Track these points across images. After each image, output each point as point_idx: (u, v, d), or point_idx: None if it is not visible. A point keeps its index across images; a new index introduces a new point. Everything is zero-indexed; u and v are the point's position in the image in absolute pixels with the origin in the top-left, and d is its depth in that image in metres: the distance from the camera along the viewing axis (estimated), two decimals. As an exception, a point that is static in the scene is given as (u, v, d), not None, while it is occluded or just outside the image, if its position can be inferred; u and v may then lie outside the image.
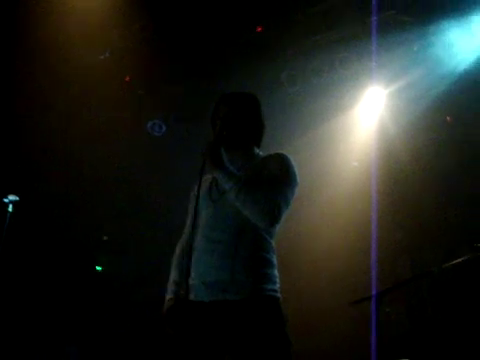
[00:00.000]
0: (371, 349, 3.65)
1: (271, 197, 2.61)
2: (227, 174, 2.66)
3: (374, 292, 3.79)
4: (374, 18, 5.52)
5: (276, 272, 2.69)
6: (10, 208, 4.94)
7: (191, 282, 2.68)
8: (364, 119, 6.69)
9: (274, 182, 2.68)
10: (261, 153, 2.94)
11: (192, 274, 2.68)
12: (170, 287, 2.84)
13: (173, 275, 2.88)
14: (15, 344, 6.23)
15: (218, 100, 2.93)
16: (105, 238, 7.74)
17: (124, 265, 7.47)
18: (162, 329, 2.74)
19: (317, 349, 6.05)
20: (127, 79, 6.70)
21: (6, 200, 4.92)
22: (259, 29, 6.02)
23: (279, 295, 2.65)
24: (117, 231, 7.54)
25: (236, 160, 2.79)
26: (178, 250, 2.97)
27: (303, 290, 6.20)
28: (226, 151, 2.73)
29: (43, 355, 6.46)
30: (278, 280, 2.68)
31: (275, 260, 2.72)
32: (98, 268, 7.62)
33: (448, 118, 6.60)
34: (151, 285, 7.16)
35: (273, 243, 2.75)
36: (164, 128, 6.66)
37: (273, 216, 2.60)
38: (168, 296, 2.81)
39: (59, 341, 6.70)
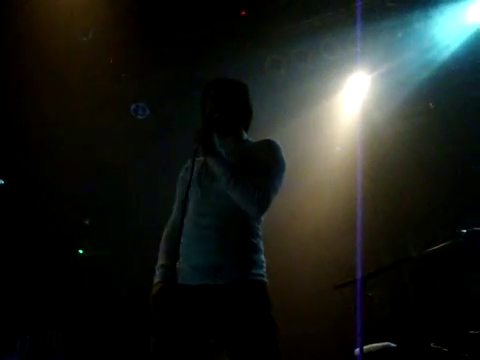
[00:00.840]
0: (356, 332, 3.68)
1: (261, 185, 2.63)
2: (219, 160, 2.67)
3: (359, 276, 3.83)
4: (359, 3, 5.52)
5: (263, 257, 2.73)
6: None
7: (179, 266, 2.72)
8: (348, 104, 6.71)
9: (264, 169, 2.70)
10: (250, 139, 2.96)
11: (180, 258, 2.71)
12: (158, 271, 2.84)
13: (161, 259, 2.88)
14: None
15: (207, 85, 2.95)
16: (87, 222, 7.70)
17: (106, 249, 7.45)
18: (149, 312, 2.75)
19: (302, 333, 6.12)
20: (111, 61, 6.62)
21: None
22: (243, 13, 5.97)
23: (265, 280, 2.69)
24: (99, 215, 7.52)
25: (227, 145, 2.81)
26: (166, 234, 2.96)
27: (288, 274, 6.23)
28: (217, 136, 2.75)
29: (25, 339, 6.45)
30: (265, 265, 2.72)
31: (262, 245, 2.75)
32: (80, 252, 7.59)
33: (431, 104, 6.65)
34: (133, 269, 7.20)
35: (260, 228, 2.78)
36: (148, 111, 6.62)
37: (262, 204, 2.63)
38: (156, 280, 2.82)
39: (41, 325, 6.69)
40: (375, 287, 5.83)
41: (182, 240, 2.71)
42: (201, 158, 2.87)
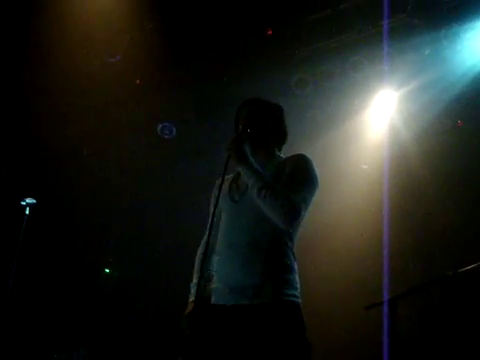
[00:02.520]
0: (383, 352, 3.62)
1: (292, 197, 2.59)
2: (251, 169, 2.65)
3: (386, 297, 3.76)
4: (385, 21, 5.51)
5: (297, 278, 2.69)
6: (27, 211, 4.96)
7: (214, 286, 2.73)
8: (375, 122, 6.67)
9: (296, 182, 2.67)
10: (282, 156, 2.94)
11: (215, 277, 2.73)
12: (192, 289, 2.83)
13: (195, 277, 2.87)
14: (26, 345, 6.24)
15: (242, 103, 2.95)
16: (112, 242, 7.74)
17: (131, 268, 7.47)
18: (178, 331, 2.73)
19: (331, 351, 6.03)
20: (138, 82, 6.69)
21: (23, 203, 4.95)
22: (269, 32, 6.00)
23: (299, 300, 2.65)
24: (125, 234, 7.55)
25: (258, 159, 2.78)
26: (200, 252, 2.95)
27: (318, 292, 6.17)
28: (250, 150, 2.75)
29: (52, 358, 6.46)
30: (299, 286, 2.68)
31: (296, 266, 2.71)
32: (107, 271, 7.62)
33: (459, 122, 6.58)
34: (159, 288, 7.20)
35: (294, 248, 2.74)
36: (174, 131, 6.66)
37: (293, 216, 2.59)
38: (191, 298, 2.80)
39: (68, 345, 6.70)
40: (405, 307, 5.73)
41: (215, 259, 2.75)
42: (231, 175, 2.87)
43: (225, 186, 2.82)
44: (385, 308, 3.58)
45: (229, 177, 2.90)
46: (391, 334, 3.42)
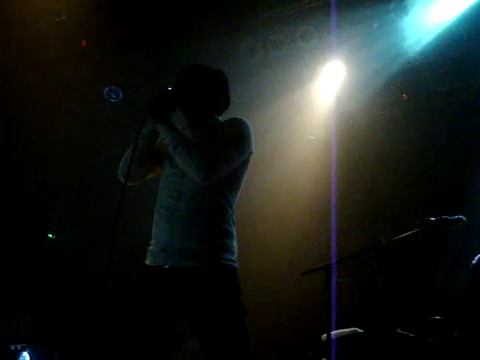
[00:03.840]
0: (326, 318, 3.72)
1: (210, 152, 2.59)
2: (168, 127, 2.63)
3: (333, 261, 3.85)
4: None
5: (235, 243, 2.72)
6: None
7: (150, 247, 2.74)
8: (323, 93, 6.72)
9: (220, 141, 2.68)
10: (220, 119, 2.94)
11: (153, 240, 2.74)
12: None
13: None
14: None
15: (181, 68, 2.91)
16: (59, 208, 7.61)
17: (76, 233, 7.37)
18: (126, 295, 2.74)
19: (271, 317, 6.16)
20: (84, 44, 6.51)
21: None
22: (220, -2, 5.93)
23: (236, 265, 2.69)
24: (69, 199, 7.43)
25: (190, 122, 2.83)
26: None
27: (260, 260, 6.26)
28: (183, 113, 2.79)
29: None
30: (236, 250, 2.71)
31: (235, 231, 2.74)
32: (50, 236, 7.51)
33: (404, 96, 6.71)
34: (103, 252, 7.14)
35: (233, 213, 2.76)
36: (121, 95, 6.54)
37: (208, 170, 2.57)
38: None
39: (10, 311, 6.60)
40: (345, 275, 5.91)
41: (155, 220, 2.74)
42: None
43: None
44: (332, 271, 3.66)
45: None
46: (330, 299, 3.51)
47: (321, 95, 6.72)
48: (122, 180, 2.85)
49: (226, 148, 2.65)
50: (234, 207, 2.78)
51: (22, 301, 6.70)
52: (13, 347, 6.12)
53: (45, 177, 7.12)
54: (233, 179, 2.77)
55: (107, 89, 6.53)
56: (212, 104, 2.90)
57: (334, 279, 3.47)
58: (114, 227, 2.52)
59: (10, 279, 6.67)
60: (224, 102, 2.96)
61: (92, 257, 6.98)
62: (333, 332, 3.53)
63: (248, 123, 2.80)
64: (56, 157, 7.03)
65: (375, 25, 5.94)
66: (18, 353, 6.08)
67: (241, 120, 2.80)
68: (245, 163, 2.80)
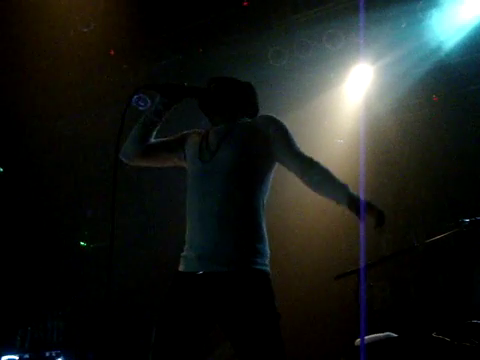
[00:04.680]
0: (358, 322, 3.67)
1: (313, 160, 2.70)
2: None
3: (362, 265, 3.81)
4: (361, -6, 5.48)
5: (267, 248, 2.70)
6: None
7: (184, 253, 2.72)
8: (351, 95, 6.66)
9: (294, 147, 2.75)
10: (247, 119, 2.92)
11: (186, 245, 2.71)
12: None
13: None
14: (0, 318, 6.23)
15: (209, 79, 2.93)
16: (89, 214, 7.68)
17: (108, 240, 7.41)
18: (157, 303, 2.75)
19: (305, 322, 6.11)
20: (111, 53, 6.59)
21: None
22: (245, 3, 5.93)
23: (269, 269, 2.66)
24: (102, 206, 7.48)
25: (217, 120, 2.84)
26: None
27: (291, 265, 6.23)
28: (209, 114, 2.85)
29: (26, 330, 6.45)
30: (269, 255, 2.69)
31: (266, 235, 2.71)
32: (82, 244, 7.59)
33: (434, 97, 6.62)
34: (138, 261, 7.18)
35: (264, 215, 2.74)
36: (149, 102, 6.58)
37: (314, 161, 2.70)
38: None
39: (42, 317, 6.68)
40: (378, 279, 5.84)
41: (189, 224, 2.71)
42: (199, 131, 2.91)
43: (195, 147, 2.82)
44: (361, 276, 3.62)
45: (197, 133, 2.91)
46: (363, 302, 3.47)
47: (349, 98, 6.66)
48: (123, 159, 2.91)
49: (297, 146, 2.75)
50: (265, 207, 2.75)
51: (55, 308, 6.78)
52: (48, 354, 6.20)
53: (77, 184, 7.21)
54: (265, 179, 2.75)
55: (136, 97, 6.58)
56: (238, 110, 2.91)
57: (364, 283, 3.43)
58: (112, 216, 2.59)
59: (43, 287, 6.76)
60: (252, 111, 2.96)
61: (123, 263, 7.04)
62: (366, 337, 3.49)
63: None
64: (86, 164, 7.11)
65: (403, 25, 5.87)
66: (53, 359, 6.16)
67: (277, 118, 2.82)
68: (274, 162, 2.82)
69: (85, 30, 6.43)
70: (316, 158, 2.70)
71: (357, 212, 2.53)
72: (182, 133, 2.95)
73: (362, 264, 3.65)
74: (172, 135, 2.94)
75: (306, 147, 6.37)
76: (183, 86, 2.80)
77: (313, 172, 2.66)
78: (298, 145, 2.76)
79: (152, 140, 2.88)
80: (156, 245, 7.04)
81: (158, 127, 2.87)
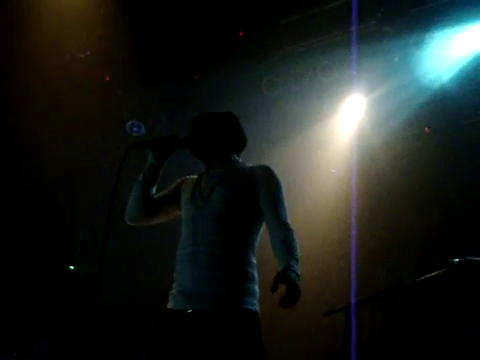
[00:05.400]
0: (347, 356, 3.64)
1: (289, 226, 2.70)
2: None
3: (353, 302, 3.79)
4: (355, 27, 5.54)
5: (256, 287, 2.70)
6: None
7: (173, 291, 2.73)
8: (344, 127, 6.69)
9: (279, 206, 2.75)
10: (241, 161, 2.95)
11: (175, 283, 2.73)
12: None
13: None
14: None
15: (190, 120, 2.95)
16: (81, 238, 7.63)
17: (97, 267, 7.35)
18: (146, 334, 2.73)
19: (293, 356, 6.05)
20: (107, 79, 6.63)
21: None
22: (241, 34, 5.99)
23: (257, 309, 2.66)
24: (93, 230, 7.44)
25: (213, 165, 2.85)
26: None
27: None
28: (202, 159, 2.86)
29: (12, 354, 6.37)
30: (258, 294, 2.69)
31: (256, 274, 2.72)
32: (71, 268, 7.52)
33: (426, 129, 6.65)
34: (126, 285, 7.13)
35: (255, 257, 2.75)
36: (143, 129, 6.61)
37: (291, 230, 2.69)
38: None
39: (29, 340, 6.60)
40: (367, 312, 5.80)
41: (178, 263, 2.73)
42: (192, 177, 2.92)
43: (188, 191, 2.84)
44: (352, 313, 3.60)
45: (190, 178, 2.93)
46: (352, 339, 3.44)
47: (342, 129, 6.69)
48: (129, 222, 2.93)
49: (285, 209, 2.75)
50: (256, 249, 2.77)
51: (41, 332, 6.70)
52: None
53: (67, 207, 7.18)
54: (255, 222, 2.77)
55: (130, 123, 6.61)
56: (228, 147, 2.92)
57: (353, 319, 3.41)
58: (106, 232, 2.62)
59: (29, 309, 6.69)
60: (240, 142, 2.98)
61: (113, 289, 6.98)
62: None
63: (274, 168, 2.84)
64: (77, 188, 7.09)
65: (396, 59, 5.93)
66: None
67: (274, 172, 2.82)
68: None
69: (81, 56, 6.48)
70: (294, 229, 2.70)
71: (278, 280, 2.47)
72: (177, 182, 2.98)
73: (353, 300, 3.64)
74: (167, 187, 2.97)
75: (300, 176, 6.42)
76: (172, 138, 2.84)
77: (279, 237, 2.66)
78: (285, 206, 2.76)
79: (154, 197, 2.90)
80: (146, 278, 7.01)
81: (157, 183, 2.90)
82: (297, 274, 2.52)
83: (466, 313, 5.44)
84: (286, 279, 2.46)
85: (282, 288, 2.43)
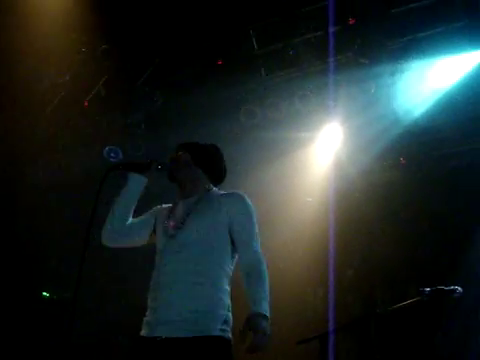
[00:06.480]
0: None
1: (259, 255, 2.73)
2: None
3: (331, 328, 3.77)
4: (332, 58, 5.62)
5: (230, 314, 2.71)
6: None
7: (146, 319, 2.74)
8: (321, 155, 6.73)
9: (250, 235, 2.78)
10: (215, 188, 2.97)
11: (148, 310, 2.74)
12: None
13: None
14: None
15: (178, 146, 2.99)
16: (53, 263, 7.52)
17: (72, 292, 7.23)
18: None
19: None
20: (85, 105, 6.63)
21: None
22: (219, 62, 6.05)
23: (230, 336, 2.67)
24: (67, 255, 7.35)
25: (186, 192, 2.88)
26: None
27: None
28: (179, 185, 2.90)
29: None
30: (231, 321, 2.70)
31: (229, 301, 2.73)
32: (45, 294, 7.39)
33: (402, 160, 6.73)
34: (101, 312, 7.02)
35: (228, 284, 2.76)
36: (120, 155, 6.59)
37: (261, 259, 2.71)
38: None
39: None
40: (343, 341, 5.79)
41: (152, 290, 2.75)
42: (166, 206, 2.94)
43: (162, 220, 2.86)
44: (331, 341, 3.58)
45: (165, 207, 2.95)
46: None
47: (319, 158, 6.74)
48: (104, 243, 2.93)
49: (256, 237, 2.78)
50: (230, 278, 2.78)
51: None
52: None
53: (39, 232, 7.09)
54: (229, 250, 2.78)
55: (107, 148, 6.59)
56: (208, 178, 2.95)
57: (331, 347, 3.40)
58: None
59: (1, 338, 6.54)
60: (220, 176, 3.02)
61: (89, 317, 6.86)
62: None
63: (246, 195, 2.87)
64: (51, 215, 7.02)
65: (372, 90, 6.01)
66: None
67: (245, 199, 2.85)
68: None
69: (60, 81, 6.48)
70: (265, 259, 2.71)
71: (249, 328, 2.49)
72: (153, 209, 3.01)
73: (331, 327, 3.62)
74: (145, 213, 2.99)
75: (276, 204, 6.42)
76: (151, 162, 2.88)
77: (249, 268, 2.67)
78: (256, 235, 2.79)
79: (131, 221, 2.91)
80: (119, 305, 6.93)
81: (134, 206, 2.91)
82: (267, 318, 2.54)
83: (437, 339, 5.47)
84: (257, 327, 2.48)
85: (250, 334, 2.45)
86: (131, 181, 2.86)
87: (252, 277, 2.64)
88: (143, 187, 2.89)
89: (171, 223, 2.81)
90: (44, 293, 7.41)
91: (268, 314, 2.54)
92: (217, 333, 2.60)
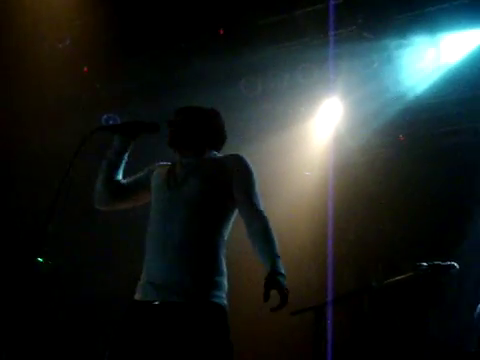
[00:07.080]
0: (316, 355, 3.64)
1: (263, 213, 2.70)
2: None
3: (330, 299, 3.80)
4: (333, 32, 5.57)
5: (225, 281, 2.71)
6: None
7: (141, 283, 2.73)
8: (321, 129, 6.70)
9: (253, 195, 2.75)
10: (215, 152, 2.95)
11: (143, 273, 2.73)
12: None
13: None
14: None
15: (175, 111, 2.95)
16: (50, 228, 7.50)
17: (68, 257, 7.27)
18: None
19: (262, 355, 6.06)
20: (85, 70, 6.56)
21: None
22: (221, 31, 5.99)
23: (226, 302, 2.68)
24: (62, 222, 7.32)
25: (187, 157, 2.85)
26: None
27: (252, 297, 6.18)
28: (177, 150, 2.86)
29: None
30: (226, 288, 2.71)
31: (225, 268, 2.73)
32: (40, 259, 7.39)
33: (401, 136, 6.71)
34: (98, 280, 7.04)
35: (224, 250, 2.76)
36: (119, 122, 6.55)
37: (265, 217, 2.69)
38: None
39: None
40: (334, 314, 5.84)
41: (146, 255, 2.73)
42: (166, 164, 2.91)
43: (163, 176, 2.83)
44: (329, 312, 3.60)
45: (163, 165, 2.93)
46: (319, 339, 3.45)
47: (319, 131, 6.71)
48: (97, 207, 2.94)
49: (259, 198, 2.75)
50: (225, 242, 2.78)
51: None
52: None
53: (35, 198, 7.08)
54: (228, 213, 2.78)
55: (106, 116, 6.55)
56: (207, 143, 2.93)
57: (329, 317, 3.43)
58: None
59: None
60: (220, 141, 2.99)
61: (87, 284, 6.88)
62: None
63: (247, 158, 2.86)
64: (47, 178, 7.00)
65: (375, 64, 5.96)
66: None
67: (246, 161, 2.83)
68: None
69: (60, 46, 6.41)
70: (268, 215, 2.69)
71: (270, 286, 2.47)
72: (148, 168, 2.98)
73: (330, 298, 3.65)
74: (139, 172, 2.97)
75: (275, 177, 6.42)
76: (137, 123, 2.88)
77: (256, 227, 2.66)
78: (258, 194, 2.77)
79: (122, 181, 2.90)
80: (113, 270, 6.94)
81: (122, 167, 2.90)
82: (284, 275, 2.53)
83: (430, 315, 5.52)
84: (277, 285, 2.47)
85: (273, 292, 2.44)
86: (116, 142, 2.86)
87: (263, 242, 2.62)
88: (129, 148, 2.87)
89: (171, 180, 2.79)
90: (39, 259, 7.40)
91: (284, 272, 2.54)
92: (214, 299, 2.61)
